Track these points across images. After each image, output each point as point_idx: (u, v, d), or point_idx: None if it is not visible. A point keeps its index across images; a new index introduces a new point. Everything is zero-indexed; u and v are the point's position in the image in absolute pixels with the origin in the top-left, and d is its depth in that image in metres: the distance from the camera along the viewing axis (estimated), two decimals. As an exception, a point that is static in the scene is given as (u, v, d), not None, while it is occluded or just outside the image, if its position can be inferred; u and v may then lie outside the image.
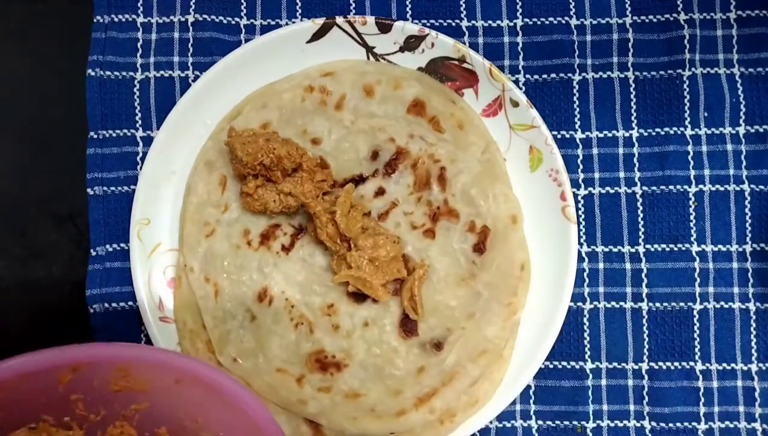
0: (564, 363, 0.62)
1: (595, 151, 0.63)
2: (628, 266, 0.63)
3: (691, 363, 0.62)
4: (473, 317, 0.59)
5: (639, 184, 0.63)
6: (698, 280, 0.62)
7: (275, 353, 0.59)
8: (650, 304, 0.62)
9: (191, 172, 0.62)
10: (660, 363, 0.62)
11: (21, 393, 0.44)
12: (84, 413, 0.46)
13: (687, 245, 0.62)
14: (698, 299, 0.62)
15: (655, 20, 0.64)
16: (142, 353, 0.46)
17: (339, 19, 0.61)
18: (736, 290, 0.62)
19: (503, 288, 0.60)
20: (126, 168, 0.63)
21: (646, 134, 0.63)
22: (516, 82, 0.64)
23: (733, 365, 0.62)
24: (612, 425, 0.62)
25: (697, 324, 0.62)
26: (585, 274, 0.63)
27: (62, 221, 0.64)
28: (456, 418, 0.59)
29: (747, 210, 0.63)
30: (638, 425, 0.61)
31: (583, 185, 0.63)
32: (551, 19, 0.64)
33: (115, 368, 0.45)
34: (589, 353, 0.62)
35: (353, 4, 0.65)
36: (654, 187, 0.63)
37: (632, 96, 0.64)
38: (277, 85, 0.62)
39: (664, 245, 0.62)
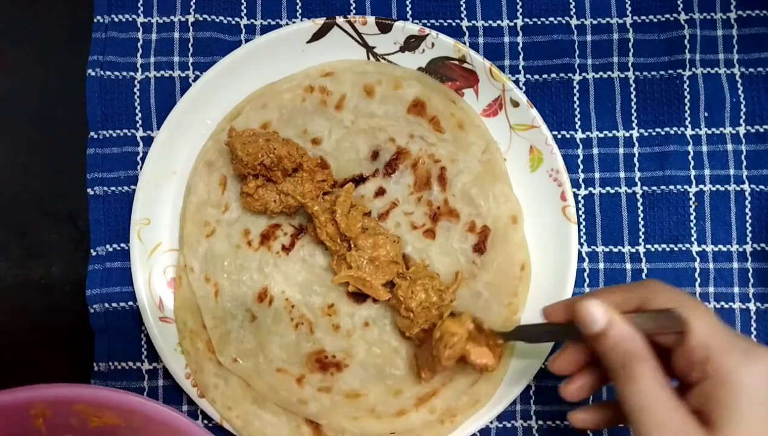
0: (564, 363, 0.62)
1: (595, 151, 0.63)
2: (628, 266, 0.63)
3: (692, 363, 0.62)
4: (473, 317, 0.59)
5: (639, 184, 0.63)
6: (698, 280, 0.62)
7: (275, 353, 0.59)
8: (650, 304, 0.62)
9: (191, 172, 0.62)
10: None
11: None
12: None
13: (687, 245, 0.62)
14: (699, 299, 0.62)
15: (655, 20, 0.64)
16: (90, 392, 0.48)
17: (339, 19, 0.61)
18: (736, 290, 0.62)
19: (503, 288, 0.60)
20: (126, 168, 0.63)
21: (646, 134, 0.63)
22: (516, 82, 0.64)
23: (733, 365, 0.62)
24: (612, 425, 0.62)
25: (698, 324, 0.62)
26: (585, 274, 0.63)
27: (62, 221, 0.64)
28: (456, 418, 0.59)
29: (747, 210, 0.63)
30: (638, 425, 0.61)
31: (583, 185, 0.63)
32: (551, 19, 0.64)
33: (85, 407, 0.47)
34: (589, 353, 0.62)
35: (353, 4, 0.65)
36: (654, 187, 0.63)
37: (632, 96, 0.64)
38: (277, 85, 0.62)
39: (664, 245, 0.62)
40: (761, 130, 0.63)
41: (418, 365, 0.58)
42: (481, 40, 0.64)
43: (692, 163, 0.63)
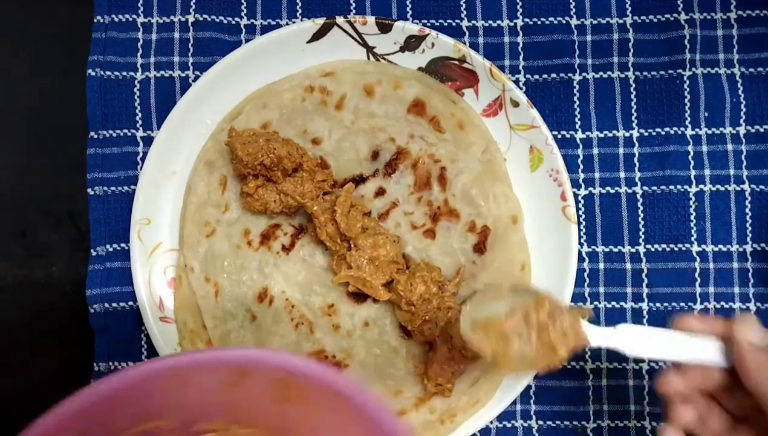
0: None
1: (595, 151, 0.63)
2: (628, 266, 0.63)
3: (692, 363, 0.62)
4: (473, 317, 0.59)
5: (639, 184, 0.63)
6: (699, 280, 0.62)
7: (275, 353, 0.59)
8: (650, 304, 0.62)
9: (191, 172, 0.62)
10: (660, 363, 0.62)
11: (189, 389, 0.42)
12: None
13: (687, 245, 0.62)
14: (699, 299, 0.62)
15: (655, 20, 0.64)
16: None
17: (339, 19, 0.61)
18: (736, 290, 0.62)
19: (503, 288, 0.60)
20: (126, 168, 0.63)
21: (646, 134, 0.63)
22: (516, 82, 0.64)
23: (733, 365, 0.62)
24: (612, 425, 0.61)
25: (698, 324, 0.62)
26: (585, 274, 0.63)
27: (62, 221, 0.64)
28: (456, 418, 0.59)
29: (747, 210, 0.62)
30: (639, 425, 0.61)
31: (583, 185, 0.63)
32: (551, 19, 0.64)
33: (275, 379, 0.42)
34: (589, 352, 0.62)
35: (353, 4, 0.65)
36: (654, 187, 0.63)
37: (632, 96, 0.64)
38: (277, 85, 0.62)
39: (664, 245, 0.62)
40: (761, 130, 0.63)
41: (437, 381, 0.57)
42: (481, 40, 0.64)
43: (692, 163, 0.63)
